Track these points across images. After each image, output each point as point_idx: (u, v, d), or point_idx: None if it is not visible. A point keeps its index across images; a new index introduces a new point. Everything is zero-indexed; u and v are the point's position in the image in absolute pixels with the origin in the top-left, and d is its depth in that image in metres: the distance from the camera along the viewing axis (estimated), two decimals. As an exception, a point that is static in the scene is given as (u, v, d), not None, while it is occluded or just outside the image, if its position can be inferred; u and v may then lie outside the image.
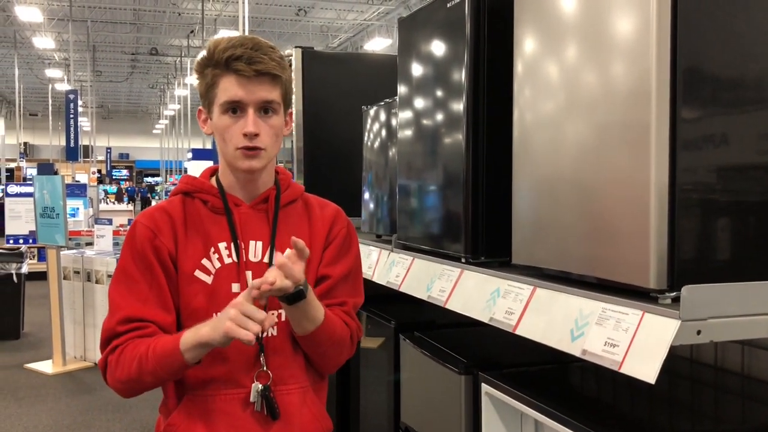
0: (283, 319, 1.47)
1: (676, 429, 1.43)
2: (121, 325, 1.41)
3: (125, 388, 1.43)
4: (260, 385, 1.42)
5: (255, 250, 1.48)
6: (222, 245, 1.46)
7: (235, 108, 1.41)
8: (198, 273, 1.45)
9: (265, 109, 1.42)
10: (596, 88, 1.37)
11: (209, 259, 1.45)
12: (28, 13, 16.58)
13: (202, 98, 1.47)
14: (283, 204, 1.53)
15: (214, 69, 1.42)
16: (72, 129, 16.33)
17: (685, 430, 1.41)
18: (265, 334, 1.45)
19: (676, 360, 1.82)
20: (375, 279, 2.34)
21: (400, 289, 2.11)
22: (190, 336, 1.35)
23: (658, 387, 1.63)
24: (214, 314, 1.41)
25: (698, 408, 1.60)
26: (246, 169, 1.44)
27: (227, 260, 1.46)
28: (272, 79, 1.41)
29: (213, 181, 1.54)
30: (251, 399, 1.43)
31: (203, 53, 1.46)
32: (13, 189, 11.07)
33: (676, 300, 1.16)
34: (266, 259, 1.48)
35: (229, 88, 1.40)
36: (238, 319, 1.27)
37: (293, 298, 1.33)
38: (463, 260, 1.82)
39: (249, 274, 1.46)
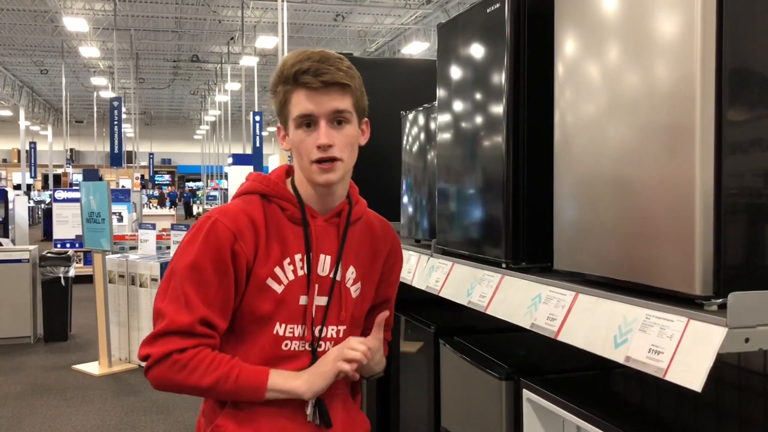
0: (341, 335, 1.51)
1: (724, 438, 1.41)
2: (200, 326, 1.40)
3: (175, 388, 1.42)
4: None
5: (324, 264, 1.49)
6: (297, 257, 1.46)
7: (308, 122, 1.41)
8: (270, 281, 1.44)
9: (338, 120, 1.42)
10: (639, 90, 1.35)
11: (282, 269, 1.45)
12: (75, 24, 17.09)
13: (278, 116, 1.47)
14: (353, 220, 1.54)
15: (284, 85, 1.42)
16: (116, 135, 16.72)
17: (733, 439, 1.38)
18: (320, 348, 1.48)
19: (723, 367, 1.79)
20: (414, 284, 2.35)
21: (440, 294, 2.11)
22: (279, 381, 1.42)
23: (704, 394, 1.60)
24: (277, 324, 1.44)
25: (745, 416, 1.56)
26: (323, 183, 1.43)
27: (300, 272, 1.46)
28: (341, 89, 1.41)
29: (289, 185, 1.52)
30: (307, 410, 1.47)
31: (275, 72, 1.46)
32: (60, 194, 11.38)
33: (722, 307, 1.14)
34: (332, 274, 1.50)
35: (299, 102, 1.40)
36: (344, 355, 1.44)
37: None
38: (503, 265, 1.82)
39: (316, 287, 1.48)
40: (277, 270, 1.45)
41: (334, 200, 1.51)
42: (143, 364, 1.44)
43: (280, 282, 1.45)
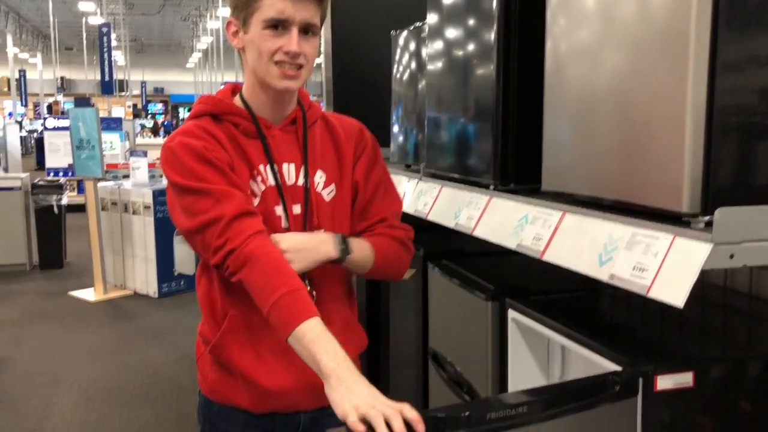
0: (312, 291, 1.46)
1: (706, 355, 1.42)
2: (246, 204, 1.35)
3: (236, 273, 1.31)
4: None
5: (288, 173, 1.47)
6: (261, 167, 1.44)
7: (278, 25, 1.36)
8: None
9: (306, 29, 1.38)
10: (632, 9, 1.30)
11: (255, 181, 1.44)
12: (58, -55, 16.44)
13: (236, 9, 1.41)
14: (309, 123, 1.51)
15: None
16: (106, 63, 16.39)
17: (715, 356, 1.39)
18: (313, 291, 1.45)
19: (709, 288, 1.79)
20: (403, 209, 2.33)
21: (428, 218, 2.10)
22: (307, 339, 1.19)
23: (690, 314, 1.61)
24: None
25: (729, 335, 1.58)
26: (282, 89, 1.40)
27: (269, 183, 1.45)
28: (319, 1, 1.38)
29: (237, 101, 1.49)
30: None
31: None
32: (51, 123, 11.24)
33: (709, 225, 1.12)
34: (300, 182, 1.47)
35: (275, 3, 1.35)
36: (379, 412, 1.03)
37: None
38: (491, 187, 1.80)
39: (287, 197, 1.46)
40: (252, 183, 1.43)
41: (288, 108, 1.49)
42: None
43: (255, 195, 1.43)
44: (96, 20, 23.47)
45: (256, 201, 1.42)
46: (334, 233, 1.46)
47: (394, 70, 2.70)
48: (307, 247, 1.39)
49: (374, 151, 1.58)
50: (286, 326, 1.22)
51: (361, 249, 1.47)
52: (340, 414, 1.06)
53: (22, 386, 4.19)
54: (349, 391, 1.09)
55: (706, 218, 1.15)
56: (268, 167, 1.44)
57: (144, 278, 6.27)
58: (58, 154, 10.76)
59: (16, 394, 4.07)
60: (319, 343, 1.18)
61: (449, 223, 1.94)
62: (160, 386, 4.18)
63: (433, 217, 2.07)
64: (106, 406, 3.90)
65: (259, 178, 1.44)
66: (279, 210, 1.45)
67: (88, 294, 6.22)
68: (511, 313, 1.71)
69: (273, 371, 1.45)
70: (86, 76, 32.10)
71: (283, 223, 1.45)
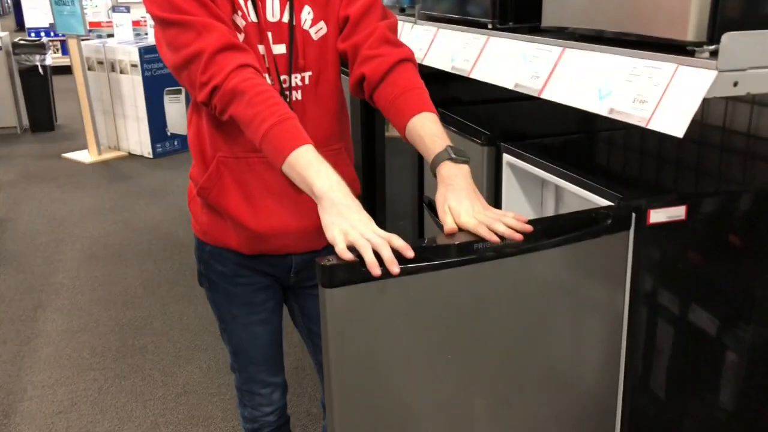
0: (307, 82, 1.42)
1: (700, 190, 1.42)
2: (230, 37, 1.28)
3: (225, 110, 1.28)
4: None
5: (272, 8, 1.39)
6: (242, 2, 1.37)
7: None
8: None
9: None
10: None
11: (237, 15, 1.36)
12: None
13: None
14: None
15: None
16: None
17: (709, 191, 1.39)
18: (289, 99, 1.41)
19: (708, 129, 1.77)
20: (398, 54, 2.25)
21: (423, 63, 2.03)
22: (302, 162, 1.16)
23: (687, 155, 1.60)
24: None
25: (725, 172, 1.57)
26: None
27: (250, 18, 1.37)
28: None
29: None
30: None
31: None
32: (27, -22, 10.67)
33: (714, 54, 1.08)
34: (285, 19, 1.39)
35: None
36: (367, 241, 1.03)
37: None
38: (489, 26, 1.72)
39: (269, 35, 1.39)
40: (235, 17, 1.36)
41: None
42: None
43: (240, 30, 1.36)
44: None
45: (241, 37, 1.36)
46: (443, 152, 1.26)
47: None
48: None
49: None
50: (279, 154, 1.19)
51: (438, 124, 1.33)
52: (329, 239, 1.07)
53: (25, 245, 4.27)
54: (340, 215, 1.09)
55: (712, 47, 1.11)
56: (249, 2, 1.37)
57: (137, 139, 6.22)
58: (38, 12, 10.33)
59: (21, 252, 4.15)
60: (312, 167, 1.16)
61: (446, 66, 1.88)
62: (160, 242, 4.27)
63: (428, 62, 2.00)
64: (110, 262, 3.99)
65: (239, 12, 1.36)
66: (261, 49, 1.38)
67: (82, 156, 6.19)
68: (506, 158, 1.70)
69: (260, 213, 1.45)
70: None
71: (266, 63, 1.39)
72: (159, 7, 1.30)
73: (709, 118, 1.76)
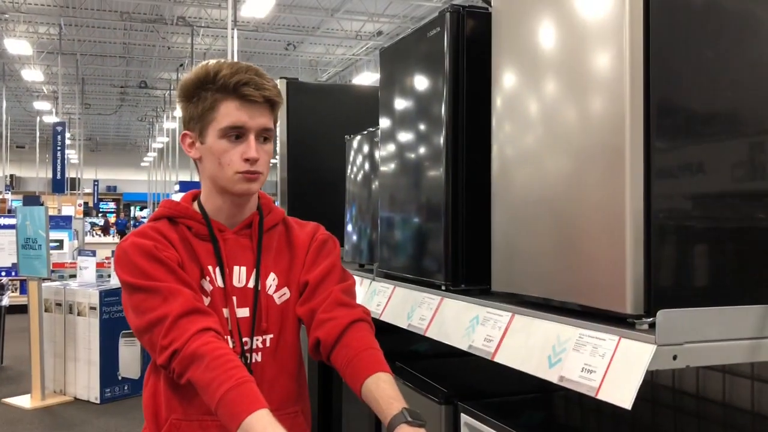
0: (268, 345, 1.46)
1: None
2: (194, 302, 1.34)
3: (183, 374, 1.30)
4: None
5: (239, 275, 1.47)
6: (210, 268, 1.45)
7: (237, 134, 1.41)
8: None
9: (264, 137, 1.44)
10: (573, 121, 1.38)
11: (205, 280, 1.44)
12: (17, 46, 16.61)
13: (191, 121, 1.44)
14: (266, 228, 1.53)
15: (216, 93, 1.40)
16: (59, 161, 16.29)
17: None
18: (249, 361, 1.43)
19: (659, 389, 1.81)
20: (357, 308, 2.32)
21: (381, 318, 2.09)
22: (258, 429, 1.18)
23: (642, 416, 1.62)
24: None
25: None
26: (243, 192, 1.44)
27: (218, 284, 1.45)
28: (272, 107, 1.44)
29: (195, 206, 1.52)
30: None
31: (192, 76, 1.43)
32: (-4, 221, 10.96)
33: (653, 326, 1.16)
34: (251, 284, 1.47)
35: (231, 113, 1.39)
36: None
37: None
38: (443, 288, 1.81)
39: (234, 299, 1.45)
40: (203, 282, 1.43)
41: (244, 212, 1.51)
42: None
43: (207, 294, 1.43)
44: (51, 119, 23.51)
45: (207, 300, 1.42)
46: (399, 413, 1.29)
47: (348, 172, 2.76)
48: None
49: (328, 244, 1.58)
50: (236, 418, 1.19)
51: (394, 386, 1.37)
52: None
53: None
54: None
55: (650, 320, 1.18)
56: (218, 269, 1.45)
57: (86, 383, 5.98)
58: (3, 252, 10.45)
59: None
60: None
61: (402, 323, 1.94)
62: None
63: (386, 318, 2.07)
64: None
65: (207, 278, 1.44)
66: (225, 312, 1.45)
67: (23, 401, 5.88)
68: (464, 418, 1.69)
69: None
70: (37, 174, 31.76)
71: (229, 325, 1.43)
72: (129, 273, 1.36)
73: (659, 378, 1.81)
